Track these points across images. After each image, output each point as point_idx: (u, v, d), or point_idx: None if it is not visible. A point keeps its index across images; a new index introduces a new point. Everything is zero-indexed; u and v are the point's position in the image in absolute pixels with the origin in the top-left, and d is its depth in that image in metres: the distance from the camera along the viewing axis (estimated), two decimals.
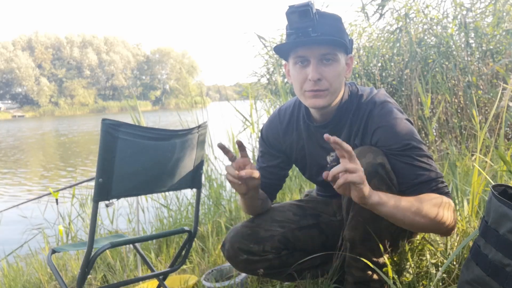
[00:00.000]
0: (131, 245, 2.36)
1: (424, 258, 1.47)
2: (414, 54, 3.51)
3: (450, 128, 3.51)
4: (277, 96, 4.30)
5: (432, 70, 3.48)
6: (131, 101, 3.59)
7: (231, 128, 3.50)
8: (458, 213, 1.55)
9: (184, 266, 2.26)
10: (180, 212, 3.11)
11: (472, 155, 2.35)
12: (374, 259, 1.28)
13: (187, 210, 3.10)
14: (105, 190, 1.30)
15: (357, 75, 4.00)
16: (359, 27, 4.58)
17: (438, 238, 1.55)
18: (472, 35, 3.45)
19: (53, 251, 1.60)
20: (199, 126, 1.53)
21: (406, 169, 1.19)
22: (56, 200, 2.61)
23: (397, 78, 3.84)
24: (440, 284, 1.38)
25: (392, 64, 4.02)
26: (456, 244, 1.49)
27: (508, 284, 0.87)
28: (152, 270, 1.79)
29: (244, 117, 3.41)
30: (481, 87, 3.39)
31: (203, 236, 2.58)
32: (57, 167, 10.38)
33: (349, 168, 0.98)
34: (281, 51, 1.29)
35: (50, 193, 2.56)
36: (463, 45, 3.49)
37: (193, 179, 1.57)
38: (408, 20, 3.70)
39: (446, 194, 1.18)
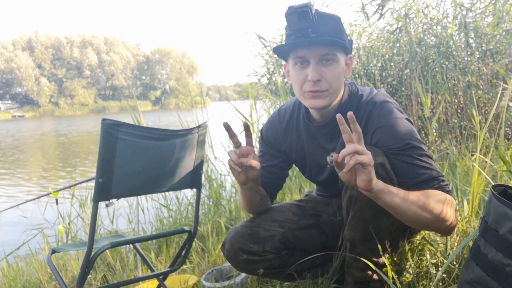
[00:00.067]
0: (131, 245, 2.36)
1: (424, 258, 1.48)
2: (414, 54, 3.51)
3: (450, 128, 3.51)
4: (277, 96, 4.30)
5: (432, 70, 3.48)
6: (131, 101, 3.58)
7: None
8: (458, 213, 1.55)
9: (184, 266, 2.26)
10: (180, 212, 3.11)
11: (472, 155, 2.35)
12: (374, 259, 1.28)
13: (187, 210, 3.10)
14: (105, 190, 1.30)
15: (357, 75, 4.00)
16: (359, 27, 4.58)
17: (438, 238, 1.55)
18: (472, 35, 3.45)
19: (53, 251, 1.60)
20: (199, 126, 1.53)
21: (407, 168, 1.19)
22: (56, 200, 2.61)
23: (397, 78, 3.84)
24: (440, 284, 1.38)
25: (392, 64, 4.02)
26: (456, 244, 1.49)
27: (508, 284, 0.87)
28: (152, 270, 1.79)
29: (244, 117, 3.41)
30: (481, 87, 3.39)
31: (203, 236, 2.58)
32: (56, 168, 10.38)
33: (358, 150, 0.98)
34: (281, 51, 1.29)
35: (50, 193, 2.56)
36: (463, 45, 3.49)
37: (193, 179, 1.57)
38: (408, 20, 3.70)
39: (448, 192, 1.18)
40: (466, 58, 3.45)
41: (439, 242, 1.54)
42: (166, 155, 1.44)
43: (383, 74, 4.12)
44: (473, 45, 3.51)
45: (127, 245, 2.53)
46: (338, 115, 1.00)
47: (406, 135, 1.21)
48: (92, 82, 73.28)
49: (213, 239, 2.46)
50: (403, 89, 3.73)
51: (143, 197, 2.99)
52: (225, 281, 1.90)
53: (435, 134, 3.62)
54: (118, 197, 1.37)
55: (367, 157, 0.99)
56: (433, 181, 1.18)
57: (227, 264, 2.02)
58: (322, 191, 1.60)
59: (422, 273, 1.45)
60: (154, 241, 2.76)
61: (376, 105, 1.28)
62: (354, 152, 0.98)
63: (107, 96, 74.32)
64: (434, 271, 1.39)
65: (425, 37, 3.79)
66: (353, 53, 1.54)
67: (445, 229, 1.18)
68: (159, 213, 3.11)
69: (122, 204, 3.21)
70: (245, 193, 1.38)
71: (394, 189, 1.08)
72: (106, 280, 2.41)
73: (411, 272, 1.40)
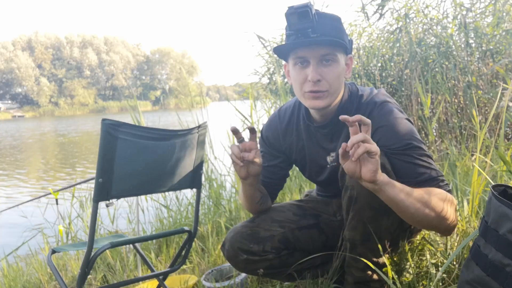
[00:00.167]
0: (131, 245, 2.36)
1: (424, 258, 1.48)
2: (414, 54, 3.51)
3: (450, 128, 3.51)
4: (277, 96, 4.30)
5: (432, 70, 3.48)
6: (131, 101, 3.58)
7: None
8: (458, 213, 1.55)
9: (184, 266, 2.26)
10: (180, 212, 3.11)
11: (472, 155, 2.36)
12: (374, 259, 1.28)
13: (187, 210, 3.10)
14: (105, 190, 1.30)
15: (357, 75, 4.00)
16: (359, 27, 4.58)
17: (438, 238, 1.55)
18: (472, 35, 3.45)
19: (53, 251, 1.60)
20: (199, 126, 1.53)
21: (407, 168, 1.19)
22: (56, 200, 2.61)
23: (397, 78, 3.84)
24: (440, 284, 1.38)
25: (392, 64, 4.02)
26: (456, 244, 1.49)
27: (508, 284, 0.87)
28: (152, 270, 1.79)
29: (244, 117, 3.41)
30: (481, 87, 3.39)
31: (203, 236, 2.58)
32: (55, 168, 10.37)
33: (367, 138, 0.99)
34: (281, 52, 1.29)
35: (50, 193, 2.56)
36: (463, 45, 3.49)
37: (193, 179, 1.58)
38: (408, 20, 3.70)
39: (448, 192, 1.18)
40: (466, 58, 3.45)
41: (439, 242, 1.54)
42: (166, 155, 1.44)
43: (383, 74, 4.13)
44: (473, 45, 3.51)
45: (127, 245, 2.53)
46: (342, 116, 0.99)
47: (406, 135, 1.21)
48: (92, 82, 73.28)
49: (213, 239, 2.46)
50: (403, 89, 3.74)
51: (143, 197, 2.99)
52: (225, 281, 1.90)
53: (435, 134, 3.62)
54: (118, 197, 1.37)
55: (375, 146, 0.99)
56: (433, 181, 1.18)
57: (227, 264, 2.02)
58: (322, 191, 1.60)
59: (422, 273, 1.45)
60: (154, 241, 2.76)
61: (377, 105, 1.28)
62: (363, 141, 0.98)
63: (107, 96, 74.33)
64: (434, 271, 1.39)
65: (425, 37, 3.79)
66: (353, 53, 1.54)
67: (445, 227, 1.18)
68: (159, 213, 3.11)
69: (122, 204, 3.22)
70: (246, 189, 1.38)
71: (398, 183, 1.08)
72: (106, 280, 2.41)
73: (411, 272, 1.40)
